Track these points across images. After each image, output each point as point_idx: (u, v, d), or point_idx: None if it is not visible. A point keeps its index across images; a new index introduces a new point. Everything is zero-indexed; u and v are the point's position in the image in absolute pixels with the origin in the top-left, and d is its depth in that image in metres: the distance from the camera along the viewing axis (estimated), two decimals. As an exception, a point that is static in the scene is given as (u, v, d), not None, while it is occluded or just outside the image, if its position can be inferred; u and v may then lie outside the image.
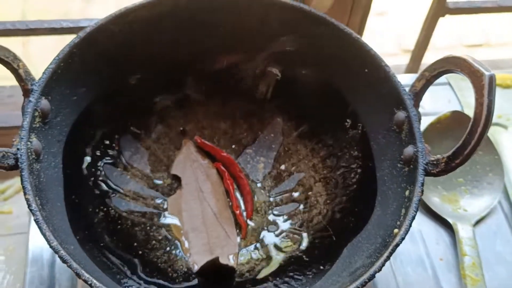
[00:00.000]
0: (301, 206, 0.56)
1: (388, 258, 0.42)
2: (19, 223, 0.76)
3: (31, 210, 0.41)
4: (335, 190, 0.55)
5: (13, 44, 0.49)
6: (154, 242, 0.52)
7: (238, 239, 0.54)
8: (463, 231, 0.60)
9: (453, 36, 1.55)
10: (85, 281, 0.39)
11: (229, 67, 0.57)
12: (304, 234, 0.54)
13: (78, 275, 0.39)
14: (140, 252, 0.50)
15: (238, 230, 0.54)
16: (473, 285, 0.55)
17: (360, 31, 0.70)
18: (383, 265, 0.42)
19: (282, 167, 0.59)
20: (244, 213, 0.55)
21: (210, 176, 0.57)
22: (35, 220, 0.41)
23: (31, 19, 0.68)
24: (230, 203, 0.55)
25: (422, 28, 0.81)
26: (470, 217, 0.61)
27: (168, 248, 0.52)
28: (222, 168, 0.57)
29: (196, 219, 0.54)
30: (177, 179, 0.57)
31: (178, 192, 0.56)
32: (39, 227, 0.41)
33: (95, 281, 0.39)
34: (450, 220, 0.61)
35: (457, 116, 0.65)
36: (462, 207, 0.63)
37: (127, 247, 0.50)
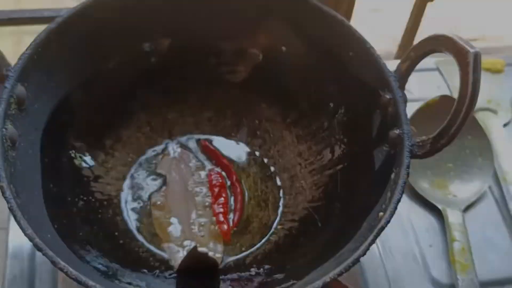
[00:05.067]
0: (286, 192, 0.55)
1: (372, 241, 0.41)
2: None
3: (5, 197, 0.40)
4: (320, 175, 0.54)
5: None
6: (135, 232, 0.51)
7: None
8: (453, 216, 0.59)
9: (446, 31, 1.54)
10: (61, 269, 0.38)
11: (210, 51, 0.56)
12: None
13: (53, 263, 0.38)
14: (121, 242, 0.49)
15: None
16: (463, 271, 0.54)
17: (348, 15, 0.70)
18: (367, 249, 0.41)
19: (268, 153, 0.58)
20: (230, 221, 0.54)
21: (197, 178, 0.56)
22: (9, 207, 0.40)
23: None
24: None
25: (410, 14, 0.80)
26: (460, 202, 0.60)
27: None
28: (221, 173, 0.56)
29: (181, 219, 0.53)
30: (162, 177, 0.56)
31: (163, 190, 0.55)
32: (13, 215, 0.40)
33: (71, 269, 0.38)
34: (440, 206, 0.60)
35: (445, 101, 0.64)
36: (452, 192, 0.62)
37: (108, 237, 0.49)
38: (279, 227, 0.53)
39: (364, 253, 0.41)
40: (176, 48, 0.55)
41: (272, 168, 0.57)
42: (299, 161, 0.56)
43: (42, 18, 0.65)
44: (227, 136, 0.59)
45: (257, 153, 0.58)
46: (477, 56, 0.42)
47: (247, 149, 0.58)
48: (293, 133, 0.57)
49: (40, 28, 0.49)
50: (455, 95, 0.69)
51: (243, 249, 0.52)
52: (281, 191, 0.56)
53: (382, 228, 0.42)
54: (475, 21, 1.56)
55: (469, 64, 0.42)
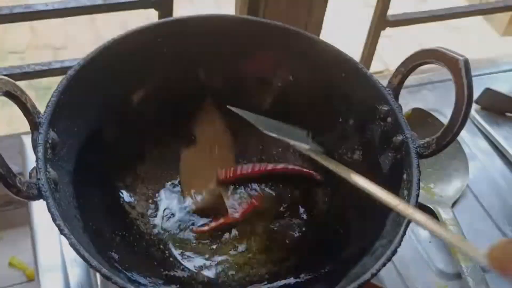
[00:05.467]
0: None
1: (404, 233, 0.46)
2: (0, 276, 0.74)
3: (64, 234, 0.42)
4: (330, 187, 0.59)
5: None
6: (171, 259, 0.53)
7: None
8: (444, 213, 0.65)
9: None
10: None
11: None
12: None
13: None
14: (163, 271, 0.51)
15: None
16: (465, 259, 0.60)
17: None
18: (401, 239, 0.46)
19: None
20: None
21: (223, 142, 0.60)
22: (70, 243, 0.42)
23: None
24: None
25: (366, 42, 0.88)
26: (447, 200, 0.67)
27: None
28: None
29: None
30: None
31: (192, 148, 0.60)
32: (77, 250, 0.41)
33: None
34: (431, 206, 0.66)
35: (418, 113, 0.72)
36: (437, 194, 0.68)
37: (147, 268, 0.51)
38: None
39: (399, 244, 0.45)
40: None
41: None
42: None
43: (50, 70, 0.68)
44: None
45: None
46: (466, 62, 0.48)
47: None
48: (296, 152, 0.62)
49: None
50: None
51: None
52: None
53: (410, 221, 0.47)
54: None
55: (461, 70, 0.48)
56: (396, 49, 1.84)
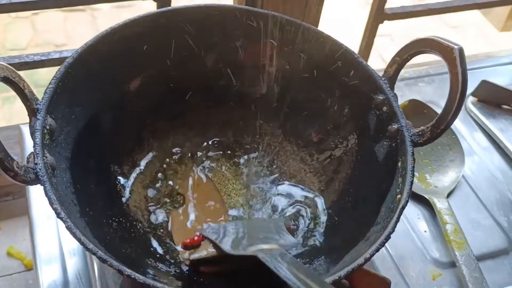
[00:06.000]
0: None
1: (398, 219, 0.46)
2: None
3: (61, 218, 0.42)
4: (325, 176, 0.59)
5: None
6: (167, 245, 0.54)
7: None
8: (440, 203, 0.65)
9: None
10: (129, 276, 0.40)
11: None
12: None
13: (120, 271, 0.41)
14: (158, 256, 0.52)
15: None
16: (459, 248, 0.60)
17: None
18: (395, 225, 0.46)
19: (273, 165, 0.62)
20: None
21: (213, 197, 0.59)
22: (67, 227, 0.42)
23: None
24: None
25: (363, 35, 0.88)
26: (442, 190, 0.67)
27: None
28: None
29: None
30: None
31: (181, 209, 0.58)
32: (73, 233, 0.42)
33: (138, 275, 0.40)
34: (426, 196, 0.66)
35: (414, 104, 0.72)
36: (433, 184, 0.68)
37: (144, 252, 0.52)
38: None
39: (393, 230, 0.46)
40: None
41: (278, 176, 0.61)
42: (303, 167, 0.61)
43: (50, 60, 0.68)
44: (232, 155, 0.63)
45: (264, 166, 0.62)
46: (461, 51, 0.49)
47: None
48: (292, 142, 0.62)
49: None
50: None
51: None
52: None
53: (403, 207, 0.47)
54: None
55: (456, 58, 0.49)
56: (396, 47, 1.84)
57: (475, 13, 1.86)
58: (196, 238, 0.50)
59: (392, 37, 1.90)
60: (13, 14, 1.78)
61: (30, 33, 1.78)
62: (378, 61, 1.85)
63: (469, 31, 2.01)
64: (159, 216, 0.56)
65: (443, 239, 0.63)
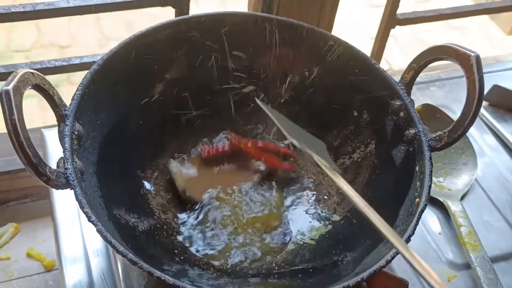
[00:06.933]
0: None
1: (417, 222, 0.48)
2: (19, 267, 0.76)
3: (92, 222, 0.44)
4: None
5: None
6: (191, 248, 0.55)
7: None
8: (454, 206, 0.66)
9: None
10: (159, 278, 0.42)
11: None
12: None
13: (150, 273, 0.42)
14: (182, 258, 0.53)
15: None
16: (474, 250, 0.62)
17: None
18: (415, 228, 0.47)
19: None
20: None
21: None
22: (97, 230, 0.43)
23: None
24: None
25: (375, 40, 0.90)
26: (456, 193, 0.68)
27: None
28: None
29: None
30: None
31: None
32: (104, 236, 0.43)
33: (167, 276, 0.42)
34: (441, 199, 0.67)
35: (427, 108, 0.73)
36: (446, 187, 0.70)
37: (168, 251, 0.53)
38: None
39: (413, 233, 0.47)
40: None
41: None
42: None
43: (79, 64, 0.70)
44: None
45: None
46: (478, 58, 0.50)
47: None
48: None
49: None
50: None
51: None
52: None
53: (422, 211, 0.48)
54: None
55: (473, 66, 0.50)
56: (400, 49, 1.86)
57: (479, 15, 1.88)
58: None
59: (396, 38, 1.91)
60: (18, 16, 1.80)
61: (35, 34, 1.79)
62: (382, 63, 1.86)
63: (472, 32, 2.02)
64: (182, 217, 0.57)
65: (457, 241, 0.64)
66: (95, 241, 0.60)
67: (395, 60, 1.89)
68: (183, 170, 0.59)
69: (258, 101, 0.58)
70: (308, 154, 0.52)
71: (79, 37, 1.79)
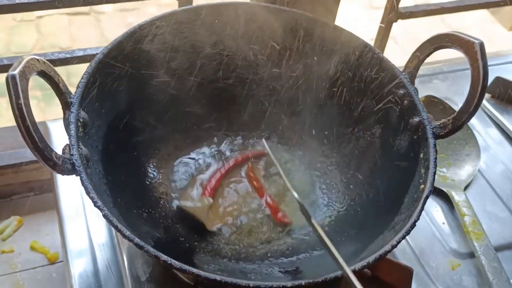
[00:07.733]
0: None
1: (422, 208, 0.48)
2: (23, 260, 0.76)
3: (98, 207, 0.44)
4: (347, 169, 0.61)
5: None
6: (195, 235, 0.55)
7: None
8: (457, 196, 0.66)
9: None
10: (165, 262, 0.42)
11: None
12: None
13: (156, 257, 0.42)
14: (188, 245, 0.53)
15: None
16: (478, 239, 0.62)
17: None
18: (420, 214, 0.47)
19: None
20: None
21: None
22: (104, 215, 0.43)
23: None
24: None
25: (377, 33, 0.90)
26: (459, 184, 0.69)
27: None
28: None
29: None
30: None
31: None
32: (110, 221, 0.43)
33: (174, 261, 0.42)
34: (444, 189, 0.67)
35: (430, 99, 0.74)
36: (450, 177, 0.70)
37: (173, 239, 0.53)
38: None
39: (418, 218, 0.47)
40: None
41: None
42: (324, 160, 0.62)
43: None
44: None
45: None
46: (482, 45, 0.50)
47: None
48: (314, 137, 0.64)
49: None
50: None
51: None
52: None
53: (427, 196, 0.49)
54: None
55: (477, 53, 0.50)
56: (400, 49, 1.85)
57: (477, 11, 1.87)
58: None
59: (396, 40, 1.91)
60: (18, 18, 1.79)
61: (35, 36, 1.79)
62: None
63: (472, 32, 2.02)
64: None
65: (461, 231, 0.64)
66: (100, 232, 0.61)
67: (395, 61, 1.89)
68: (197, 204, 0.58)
69: (264, 142, 0.60)
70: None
71: (79, 39, 1.79)
